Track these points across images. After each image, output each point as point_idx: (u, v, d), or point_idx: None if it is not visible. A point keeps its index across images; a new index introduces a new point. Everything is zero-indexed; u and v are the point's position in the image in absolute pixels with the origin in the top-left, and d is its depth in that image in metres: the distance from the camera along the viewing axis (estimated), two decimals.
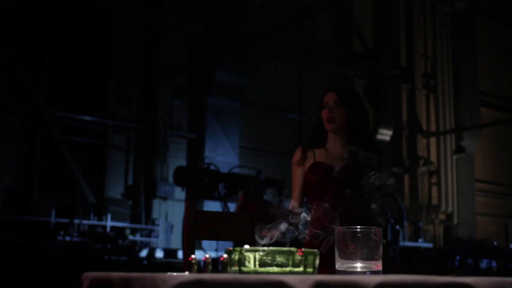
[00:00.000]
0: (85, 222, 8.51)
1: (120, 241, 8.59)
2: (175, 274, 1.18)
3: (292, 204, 2.73)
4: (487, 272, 9.79)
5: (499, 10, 14.40)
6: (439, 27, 13.14)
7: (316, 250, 1.36)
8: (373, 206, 2.62)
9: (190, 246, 2.18)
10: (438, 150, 12.94)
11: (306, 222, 2.19)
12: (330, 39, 12.62)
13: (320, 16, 11.99)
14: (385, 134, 12.31)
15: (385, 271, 1.82)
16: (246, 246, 1.39)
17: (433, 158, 12.98)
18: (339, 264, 1.54)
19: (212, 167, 8.31)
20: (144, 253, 8.42)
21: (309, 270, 1.39)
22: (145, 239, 9.21)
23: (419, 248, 10.76)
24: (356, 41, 13.00)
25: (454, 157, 12.92)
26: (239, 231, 2.35)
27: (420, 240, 11.16)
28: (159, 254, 8.33)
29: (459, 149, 12.83)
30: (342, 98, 2.77)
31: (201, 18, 10.63)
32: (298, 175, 2.82)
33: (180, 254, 8.27)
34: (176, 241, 9.66)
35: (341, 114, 2.75)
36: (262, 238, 2.09)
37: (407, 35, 13.18)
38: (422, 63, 13.58)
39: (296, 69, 11.92)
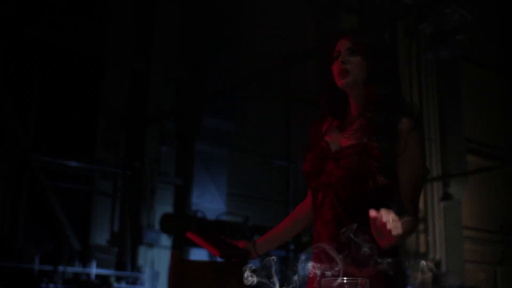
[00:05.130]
0: (69, 269, 8.39)
1: None
2: None
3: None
4: None
5: (483, 58, 14.62)
6: (424, 75, 13.30)
7: None
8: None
9: None
10: (425, 197, 12.95)
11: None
12: (318, 85, 12.73)
13: (307, 63, 12.12)
14: None
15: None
16: None
17: (421, 205, 12.98)
18: None
19: (199, 214, 8.27)
20: None
21: None
22: (130, 286, 9.07)
23: None
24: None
25: (442, 204, 12.93)
26: (226, 281, 2.30)
27: None
28: None
29: (446, 196, 12.85)
30: (359, 43, 2.02)
31: (189, 65, 10.72)
32: None
33: None
34: None
35: (358, 64, 2.01)
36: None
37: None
38: None
39: (284, 115, 11.98)
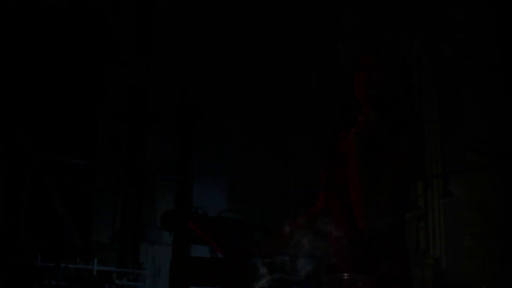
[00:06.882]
0: (71, 266, 8.41)
1: (107, 286, 8.49)
2: None
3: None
4: None
5: (483, 58, 14.61)
6: (425, 75, 13.29)
7: None
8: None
9: None
10: (426, 194, 12.94)
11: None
12: (318, 84, 12.72)
13: (307, 63, 12.13)
14: None
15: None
16: None
17: (421, 202, 12.98)
18: None
19: (200, 211, 8.28)
20: None
21: None
22: (132, 283, 9.10)
23: None
24: (344, 86, 13.10)
25: (442, 201, 12.94)
26: (227, 277, 2.34)
27: None
28: None
29: (447, 194, 12.85)
30: (384, 60, 2.18)
31: (191, 63, 10.72)
32: None
33: None
34: (163, 286, 9.55)
35: (381, 81, 2.15)
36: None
37: None
38: None
39: (285, 114, 11.98)
